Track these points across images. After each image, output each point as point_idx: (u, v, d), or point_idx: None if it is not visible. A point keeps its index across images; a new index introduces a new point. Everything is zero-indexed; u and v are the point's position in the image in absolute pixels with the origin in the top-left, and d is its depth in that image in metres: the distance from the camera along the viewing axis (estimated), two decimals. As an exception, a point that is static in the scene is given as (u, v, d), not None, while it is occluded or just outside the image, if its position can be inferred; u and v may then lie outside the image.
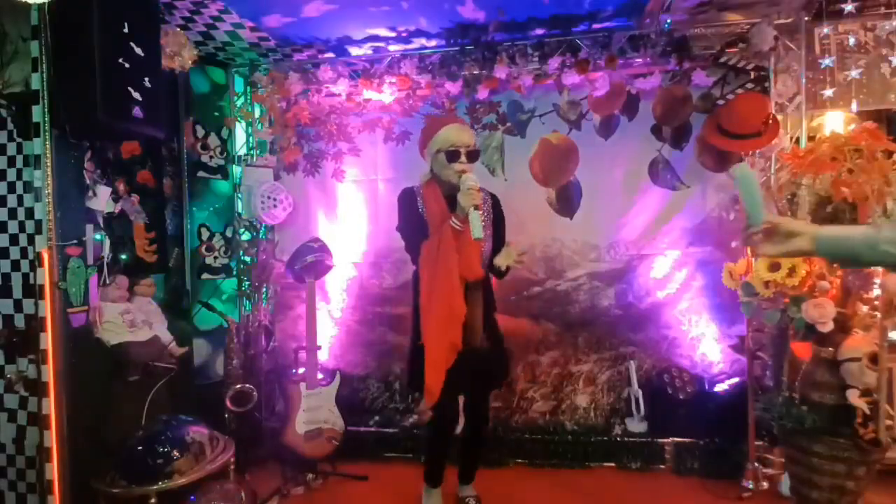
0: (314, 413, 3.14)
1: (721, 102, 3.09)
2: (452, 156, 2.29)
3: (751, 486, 2.91)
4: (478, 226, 2.13)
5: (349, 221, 3.77)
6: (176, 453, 2.36)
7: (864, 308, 2.47)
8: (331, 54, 3.47)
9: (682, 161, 3.30)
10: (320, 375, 3.21)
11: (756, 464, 2.94)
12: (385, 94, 3.44)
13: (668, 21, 2.99)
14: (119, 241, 2.77)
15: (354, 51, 3.43)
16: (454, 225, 2.22)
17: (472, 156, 2.34)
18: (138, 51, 2.27)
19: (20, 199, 2.48)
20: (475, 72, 3.25)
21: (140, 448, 2.35)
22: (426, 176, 2.43)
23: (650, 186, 3.36)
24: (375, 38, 3.30)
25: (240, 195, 3.65)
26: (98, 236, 2.51)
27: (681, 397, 3.24)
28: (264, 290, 3.75)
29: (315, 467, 3.16)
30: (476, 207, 2.15)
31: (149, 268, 2.94)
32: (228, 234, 3.61)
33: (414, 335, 2.42)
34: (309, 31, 3.21)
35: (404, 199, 2.42)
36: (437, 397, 2.23)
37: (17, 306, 2.49)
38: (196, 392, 3.24)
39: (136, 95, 2.25)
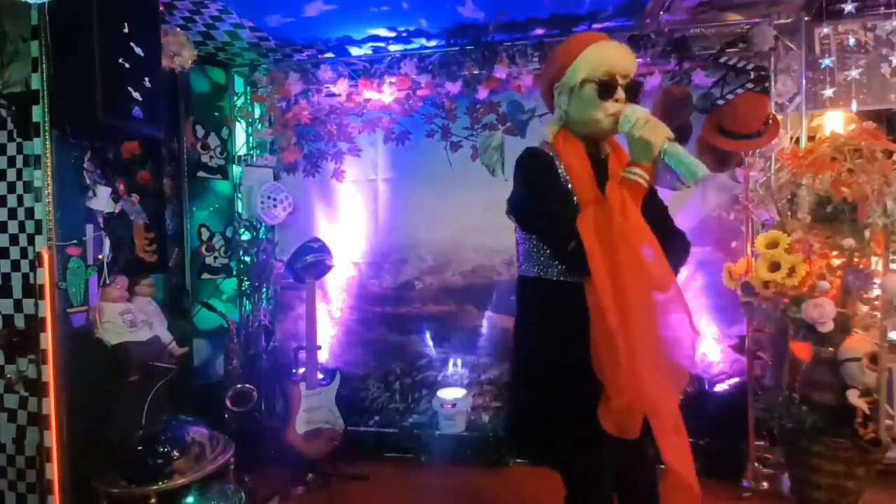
0: (314, 413, 3.14)
1: (721, 102, 3.09)
2: (606, 89, 1.47)
3: (751, 486, 2.91)
4: (690, 160, 1.36)
5: (349, 221, 3.77)
6: (176, 453, 2.36)
7: (864, 308, 2.47)
8: (331, 54, 3.47)
9: (682, 161, 3.29)
10: (320, 375, 3.21)
11: (756, 464, 2.94)
12: (385, 94, 3.44)
13: (668, 21, 2.99)
14: (119, 241, 2.77)
15: (354, 51, 3.43)
16: (637, 178, 1.40)
17: (633, 91, 1.52)
18: (138, 51, 2.27)
19: (20, 199, 2.47)
20: (475, 72, 3.25)
21: (140, 448, 2.35)
22: (554, 124, 1.60)
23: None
24: (375, 38, 3.30)
25: (240, 195, 3.65)
26: (98, 236, 2.52)
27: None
28: (264, 290, 3.75)
29: (315, 467, 3.16)
30: (669, 139, 1.39)
31: (149, 268, 2.94)
32: (228, 234, 3.61)
33: (534, 377, 1.64)
34: (309, 31, 3.21)
35: (534, 163, 1.56)
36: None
37: (17, 306, 2.48)
38: (196, 392, 3.24)
39: (136, 95, 2.25)
